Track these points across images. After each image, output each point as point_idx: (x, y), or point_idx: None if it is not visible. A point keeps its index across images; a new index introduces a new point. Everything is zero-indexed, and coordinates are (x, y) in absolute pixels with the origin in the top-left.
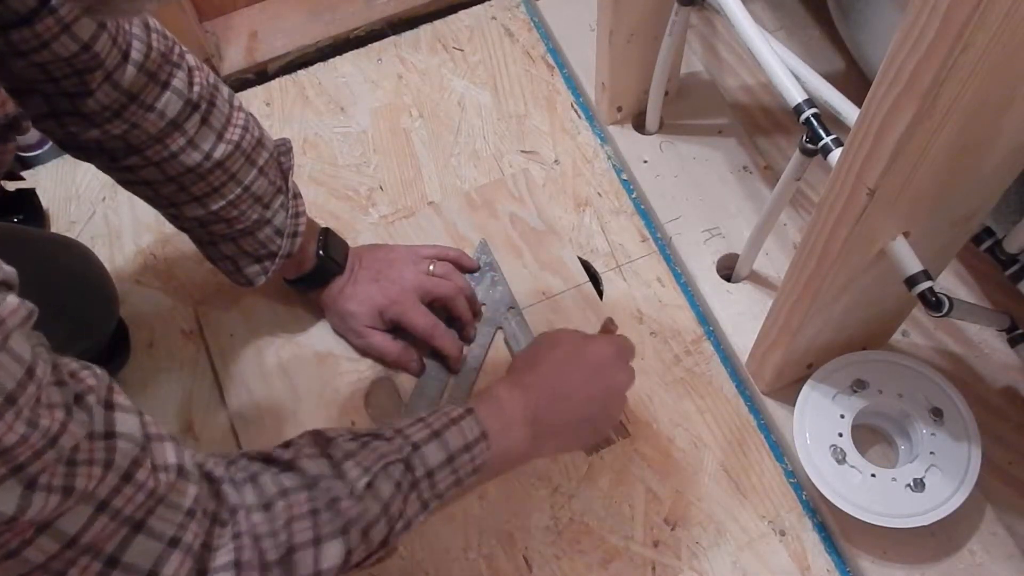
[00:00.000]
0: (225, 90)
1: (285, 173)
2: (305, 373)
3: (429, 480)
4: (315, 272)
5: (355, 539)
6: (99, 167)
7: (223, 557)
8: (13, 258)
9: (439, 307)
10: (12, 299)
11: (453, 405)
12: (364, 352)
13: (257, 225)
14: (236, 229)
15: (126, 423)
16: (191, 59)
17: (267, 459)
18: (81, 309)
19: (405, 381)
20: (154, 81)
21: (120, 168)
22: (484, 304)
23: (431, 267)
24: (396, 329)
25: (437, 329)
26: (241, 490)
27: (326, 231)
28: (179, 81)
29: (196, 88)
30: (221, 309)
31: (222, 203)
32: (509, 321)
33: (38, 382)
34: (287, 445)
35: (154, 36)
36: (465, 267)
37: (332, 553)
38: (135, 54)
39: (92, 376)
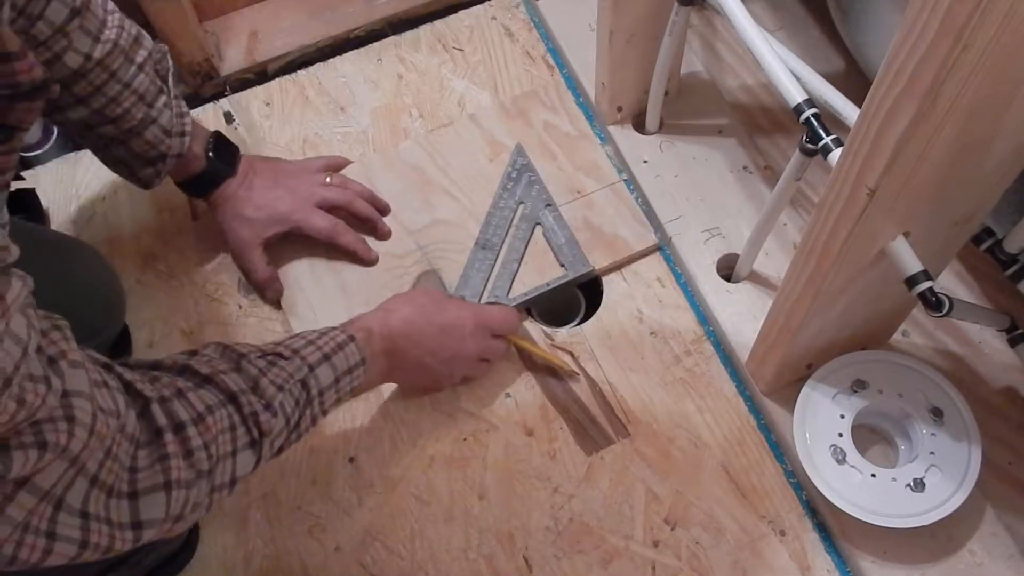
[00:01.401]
0: None
1: (164, 75)
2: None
3: (320, 399)
4: (205, 173)
5: (264, 448)
6: None
7: (152, 479)
8: (22, 256)
9: (342, 215)
10: (16, 282)
11: (336, 329)
12: (237, 258)
13: (143, 124)
14: (123, 130)
15: (79, 379)
16: None
17: (185, 370)
18: (87, 311)
19: (449, 273)
20: None
21: None
22: (523, 202)
23: (327, 179)
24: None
25: (338, 228)
26: (170, 408)
27: (216, 133)
28: None
29: None
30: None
31: (104, 101)
32: (547, 216)
33: (29, 358)
34: (193, 353)
35: None
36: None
37: (246, 462)
38: None
39: (62, 338)
